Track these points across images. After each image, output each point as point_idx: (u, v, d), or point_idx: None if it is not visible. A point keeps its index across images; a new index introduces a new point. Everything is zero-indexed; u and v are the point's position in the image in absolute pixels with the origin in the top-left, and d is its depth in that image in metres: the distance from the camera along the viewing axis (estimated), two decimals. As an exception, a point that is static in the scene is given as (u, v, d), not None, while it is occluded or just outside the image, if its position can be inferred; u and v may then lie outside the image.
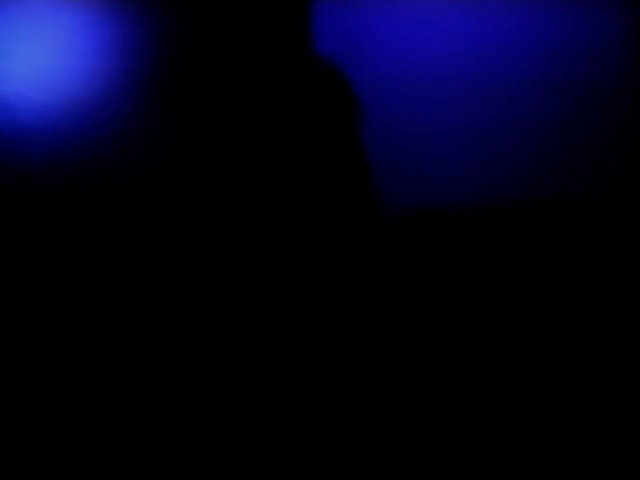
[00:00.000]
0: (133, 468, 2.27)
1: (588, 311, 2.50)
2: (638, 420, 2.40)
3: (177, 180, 2.36)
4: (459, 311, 2.47)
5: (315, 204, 2.36)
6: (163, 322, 2.34)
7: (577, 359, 2.46)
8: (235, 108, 2.37)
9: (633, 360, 2.46)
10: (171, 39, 2.35)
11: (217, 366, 2.34)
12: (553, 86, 2.56)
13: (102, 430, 2.28)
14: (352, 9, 2.47)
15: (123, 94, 2.34)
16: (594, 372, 2.46)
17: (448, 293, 2.47)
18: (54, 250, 2.31)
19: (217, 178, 2.37)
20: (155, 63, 2.35)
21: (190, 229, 2.36)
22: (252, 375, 2.35)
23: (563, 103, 2.57)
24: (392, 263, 2.44)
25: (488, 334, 2.45)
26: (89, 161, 2.34)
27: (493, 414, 2.40)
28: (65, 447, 2.26)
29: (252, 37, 2.36)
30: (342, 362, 2.38)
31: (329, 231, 2.37)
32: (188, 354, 2.34)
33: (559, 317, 2.50)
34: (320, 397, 2.36)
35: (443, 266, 2.48)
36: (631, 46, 2.58)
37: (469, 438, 2.37)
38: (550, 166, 2.55)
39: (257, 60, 2.37)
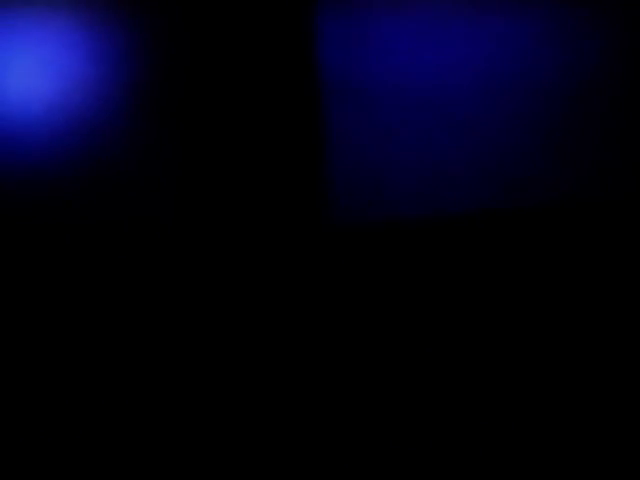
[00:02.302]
0: (133, 468, 2.27)
1: (583, 313, 2.49)
2: (636, 420, 2.40)
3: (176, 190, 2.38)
4: (455, 314, 2.46)
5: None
6: (160, 323, 2.35)
7: (575, 360, 2.46)
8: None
9: (631, 362, 2.45)
10: (171, 45, 2.37)
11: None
12: (550, 92, 2.55)
13: (102, 430, 2.29)
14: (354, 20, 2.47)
15: (122, 104, 2.35)
16: (592, 373, 2.45)
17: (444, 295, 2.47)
18: (54, 255, 2.32)
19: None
20: (155, 73, 2.36)
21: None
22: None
23: (559, 108, 2.56)
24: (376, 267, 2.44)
25: (482, 336, 2.45)
26: (88, 171, 2.35)
27: (492, 414, 2.40)
28: (65, 447, 2.27)
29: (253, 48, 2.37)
30: (341, 363, 2.39)
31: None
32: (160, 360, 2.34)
33: (555, 324, 2.49)
34: (319, 399, 2.36)
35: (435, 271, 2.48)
36: (630, 50, 2.56)
37: (469, 437, 2.37)
38: (542, 173, 2.54)
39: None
